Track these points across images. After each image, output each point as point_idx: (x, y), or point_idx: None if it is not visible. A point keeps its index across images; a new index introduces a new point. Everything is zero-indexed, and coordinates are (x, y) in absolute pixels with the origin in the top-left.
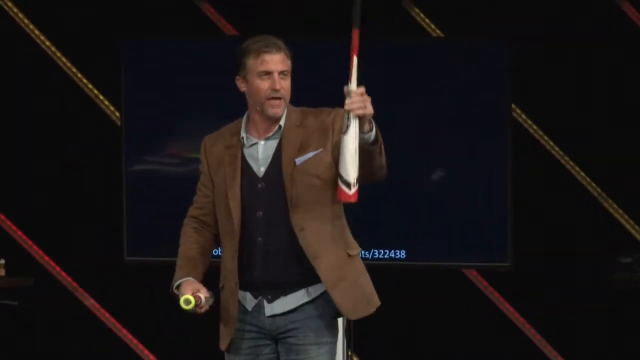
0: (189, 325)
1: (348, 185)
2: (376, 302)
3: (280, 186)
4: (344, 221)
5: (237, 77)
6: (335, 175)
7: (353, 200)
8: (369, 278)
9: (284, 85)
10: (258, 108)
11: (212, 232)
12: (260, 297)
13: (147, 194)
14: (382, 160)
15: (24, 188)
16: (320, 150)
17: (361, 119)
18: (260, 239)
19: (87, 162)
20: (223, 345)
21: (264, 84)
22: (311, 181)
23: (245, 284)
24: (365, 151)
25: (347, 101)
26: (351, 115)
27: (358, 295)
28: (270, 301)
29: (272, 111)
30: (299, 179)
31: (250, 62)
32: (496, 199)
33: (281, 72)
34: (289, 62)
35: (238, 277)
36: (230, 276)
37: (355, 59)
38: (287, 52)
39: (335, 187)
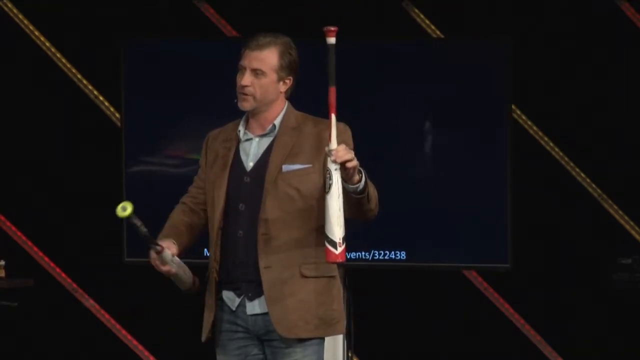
0: (189, 325)
1: (334, 245)
2: (334, 330)
3: (262, 185)
4: (319, 242)
5: None
6: (316, 193)
7: (341, 259)
8: (331, 301)
9: (255, 83)
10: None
11: (201, 220)
12: (243, 295)
13: (147, 194)
14: (372, 204)
15: (23, 189)
16: (309, 165)
17: (349, 171)
18: (241, 232)
19: (87, 162)
20: (203, 337)
21: (238, 78)
22: (289, 192)
23: (228, 281)
24: (354, 200)
25: (329, 161)
26: (333, 174)
27: (302, 315)
28: (251, 299)
29: (239, 104)
30: (280, 185)
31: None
32: (496, 199)
33: (254, 70)
34: (272, 62)
35: (221, 273)
36: (212, 262)
37: (333, 117)
38: (277, 53)
39: (313, 205)
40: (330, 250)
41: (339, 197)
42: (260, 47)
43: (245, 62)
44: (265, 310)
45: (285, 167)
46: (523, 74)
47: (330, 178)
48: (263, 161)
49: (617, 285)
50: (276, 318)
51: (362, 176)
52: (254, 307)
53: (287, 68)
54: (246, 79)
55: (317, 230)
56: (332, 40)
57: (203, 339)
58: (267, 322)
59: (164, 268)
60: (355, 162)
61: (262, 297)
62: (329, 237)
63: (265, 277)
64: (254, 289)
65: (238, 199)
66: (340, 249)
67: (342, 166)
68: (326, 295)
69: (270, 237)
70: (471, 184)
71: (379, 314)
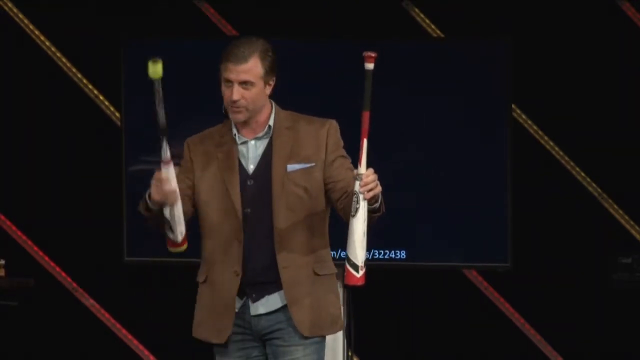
0: (189, 325)
1: (356, 268)
2: (340, 324)
3: (267, 187)
4: (324, 240)
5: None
6: (321, 191)
7: (360, 283)
8: (337, 300)
9: (246, 95)
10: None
11: (187, 209)
12: (246, 296)
13: None
14: (375, 218)
15: (23, 188)
16: (312, 164)
17: (376, 196)
18: (247, 233)
19: (87, 162)
20: (222, 338)
21: (227, 92)
22: (298, 191)
23: None
24: (368, 217)
25: (358, 185)
26: (361, 198)
27: (319, 313)
28: (254, 300)
29: (233, 117)
30: (287, 185)
31: (221, 67)
32: (496, 199)
33: (243, 82)
34: (258, 71)
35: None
36: (228, 264)
37: (365, 142)
38: (259, 60)
39: (319, 203)
40: (351, 273)
41: (364, 222)
42: (244, 58)
43: (231, 76)
44: (268, 310)
45: (290, 167)
46: (523, 74)
47: (358, 202)
48: (264, 162)
49: (617, 285)
50: (298, 318)
51: (379, 198)
52: (257, 308)
53: (270, 71)
54: (236, 93)
55: (323, 229)
56: (370, 66)
57: (222, 340)
58: (271, 322)
59: (163, 188)
60: (380, 188)
61: (266, 298)
62: (352, 260)
63: (284, 277)
64: (259, 290)
65: (243, 203)
66: (361, 272)
67: (368, 192)
68: (334, 292)
69: (284, 238)
70: (471, 184)
71: (379, 313)
